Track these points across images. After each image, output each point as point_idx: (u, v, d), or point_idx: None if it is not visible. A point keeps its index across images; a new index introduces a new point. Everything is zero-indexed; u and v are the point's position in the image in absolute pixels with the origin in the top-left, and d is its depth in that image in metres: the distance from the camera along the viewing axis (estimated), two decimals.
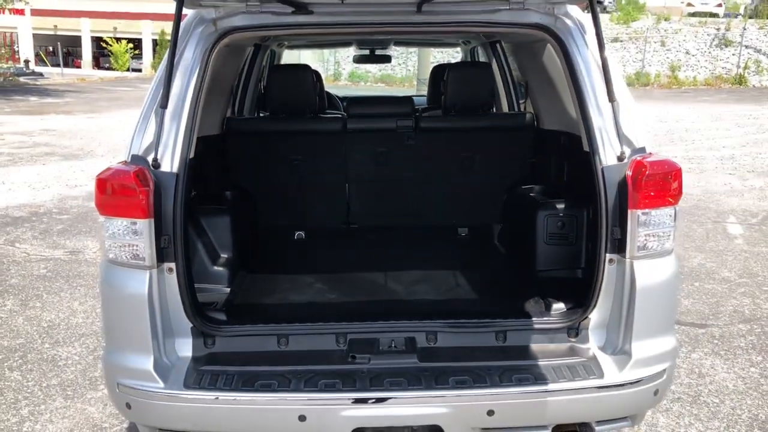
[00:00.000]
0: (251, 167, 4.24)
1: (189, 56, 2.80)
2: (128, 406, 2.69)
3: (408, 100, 4.48)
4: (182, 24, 2.81)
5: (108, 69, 52.79)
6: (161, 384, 2.63)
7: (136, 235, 2.63)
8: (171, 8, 2.59)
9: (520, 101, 5.00)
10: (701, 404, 4.11)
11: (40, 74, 42.58)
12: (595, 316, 2.85)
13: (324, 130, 4.29)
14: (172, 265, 2.69)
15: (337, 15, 2.93)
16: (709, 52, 33.55)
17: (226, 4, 2.85)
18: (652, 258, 2.73)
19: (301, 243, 4.35)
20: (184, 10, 2.71)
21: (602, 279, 2.77)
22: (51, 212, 8.96)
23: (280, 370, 2.72)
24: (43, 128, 17.90)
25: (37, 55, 56.95)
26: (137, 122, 2.77)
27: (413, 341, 2.86)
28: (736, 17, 37.86)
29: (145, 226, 2.61)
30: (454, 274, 3.60)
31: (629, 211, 2.67)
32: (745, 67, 31.88)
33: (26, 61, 50.59)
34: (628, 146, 2.75)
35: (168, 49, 2.74)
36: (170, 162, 2.70)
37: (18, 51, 58.91)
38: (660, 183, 2.68)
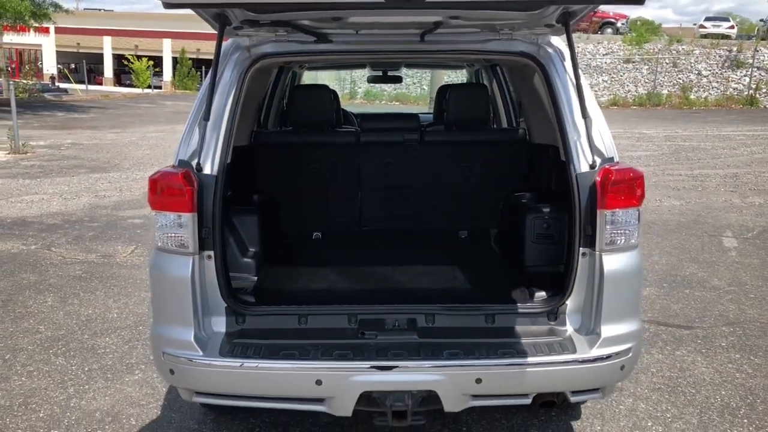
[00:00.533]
0: (275, 174, 4.76)
1: (227, 77, 3.33)
2: (171, 372, 3.18)
3: (414, 116, 5.03)
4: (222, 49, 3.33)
5: (129, 86, 53.90)
6: (200, 353, 3.12)
7: (181, 227, 3.13)
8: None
9: (519, 119, 5.50)
10: (679, 393, 4.53)
11: (65, 91, 43.74)
12: (571, 303, 3.31)
13: (340, 142, 4.83)
14: (211, 253, 3.19)
15: (353, 43, 3.45)
16: (721, 74, 33.90)
17: (258, 33, 3.37)
18: (619, 252, 3.19)
19: (318, 242, 4.86)
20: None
21: (576, 269, 3.23)
22: (82, 220, 9.54)
23: (300, 343, 3.19)
24: (71, 142, 18.62)
25: (60, 72, 58.16)
26: (183, 132, 3.30)
27: (414, 321, 3.33)
28: (749, 39, 38.21)
29: (189, 219, 3.12)
30: (453, 269, 4.08)
31: (598, 211, 3.15)
32: (757, 89, 32.20)
33: (52, 78, 51.88)
34: (598, 156, 3.23)
35: (210, 71, 3.27)
36: (210, 166, 3.21)
37: (42, 68, 60.25)
38: (625, 187, 3.15)
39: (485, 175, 4.80)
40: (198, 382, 3.17)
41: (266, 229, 4.15)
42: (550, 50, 3.42)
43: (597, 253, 3.18)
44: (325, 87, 4.90)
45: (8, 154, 15.77)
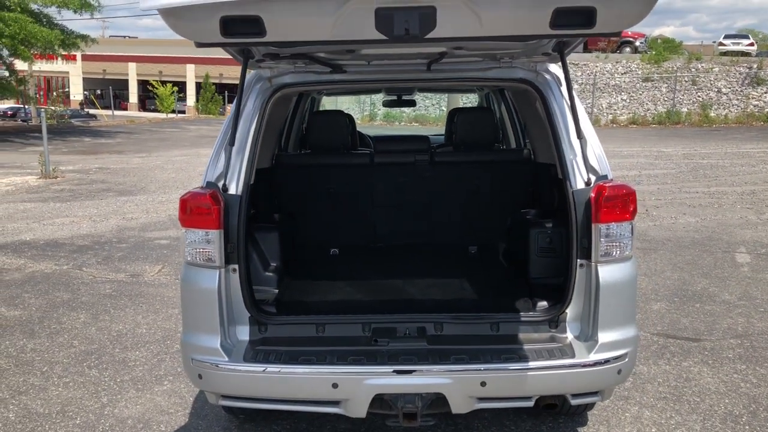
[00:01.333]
0: (295, 194, 5.06)
1: (250, 106, 3.63)
2: (200, 376, 3.45)
3: (425, 139, 5.33)
4: (246, 79, 3.64)
5: (153, 110, 54.99)
6: (226, 358, 3.39)
7: (209, 243, 3.42)
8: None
9: (527, 140, 5.76)
10: (683, 402, 4.70)
11: (94, 116, 44.92)
12: (570, 311, 3.54)
13: (355, 163, 5.13)
14: (236, 266, 3.47)
15: (365, 73, 3.75)
16: (741, 91, 33.86)
17: (278, 66, 3.68)
18: (613, 263, 3.42)
19: (335, 257, 5.14)
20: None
21: (575, 280, 3.47)
22: (111, 241, 9.91)
23: (318, 350, 3.45)
24: (99, 167, 19.17)
25: (86, 98, 59.49)
26: (211, 156, 3.60)
27: (424, 330, 3.58)
28: None
29: (216, 236, 3.40)
30: (461, 281, 4.32)
31: (593, 225, 3.38)
32: None
33: (81, 104, 53.18)
34: (593, 174, 3.48)
35: (235, 100, 3.58)
36: (236, 187, 3.51)
37: (69, 94, 61.70)
38: (618, 203, 3.39)
39: (493, 192, 5.06)
40: (224, 386, 3.43)
41: (286, 245, 4.43)
42: (547, 76, 3.69)
43: (593, 264, 3.40)
44: (341, 112, 5.22)
45: (39, 178, 16.32)
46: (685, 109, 33.70)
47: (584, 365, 3.35)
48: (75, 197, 13.94)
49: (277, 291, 4.05)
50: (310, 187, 5.08)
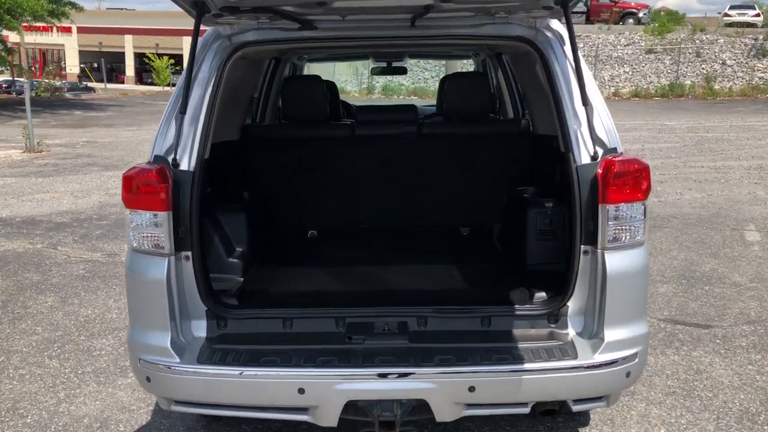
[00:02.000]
0: (268, 170, 4.58)
1: (206, 68, 3.15)
2: (148, 379, 3.03)
3: (412, 108, 4.81)
4: (200, 39, 3.16)
5: (150, 84, 54.28)
6: (177, 359, 2.96)
7: (157, 226, 2.97)
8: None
9: (526, 110, 5.27)
10: (694, 398, 4.29)
11: (92, 89, 44.65)
12: (573, 304, 3.10)
13: (334, 136, 4.63)
14: (189, 253, 3.03)
15: (339, 30, 3.26)
16: (746, 63, 33.19)
17: (239, 21, 3.19)
18: (623, 249, 2.97)
19: (312, 240, 4.68)
20: (202, 26, 3.06)
21: (578, 269, 3.02)
22: (91, 218, 9.46)
23: (283, 348, 3.02)
24: (86, 140, 18.68)
25: (82, 71, 58.81)
26: (159, 126, 3.13)
27: (405, 325, 3.14)
28: None
29: (164, 218, 2.95)
30: (450, 268, 3.87)
31: (600, 206, 2.93)
32: None
33: (79, 77, 52.65)
34: (600, 147, 3.01)
35: (187, 62, 3.10)
36: (188, 162, 3.04)
37: (65, 67, 60.96)
38: (629, 180, 2.93)
39: (487, 168, 4.58)
40: (175, 391, 3.01)
41: (256, 227, 3.98)
42: (548, 34, 3.20)
43: (599, 251, 2.96)
44: (317, 78, 4.71)
45: (23, 152, 15.85)
46: (689, 82, 33.04)
47: (588, 367, 2.92)
48: (58, 172, 13.48)
49: (242, 279, 3.61)
50: (284, 162, 4.60)
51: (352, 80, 37.90)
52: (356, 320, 3.16)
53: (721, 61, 33.61)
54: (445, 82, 4.64)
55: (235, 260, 3.66)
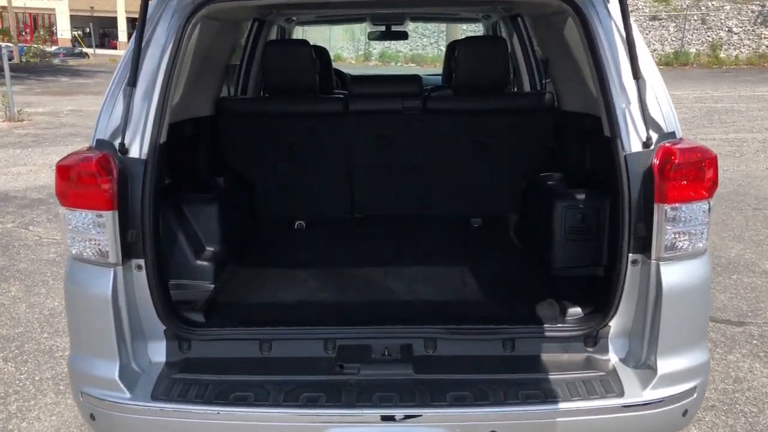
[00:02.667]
0: (247, 151, 3.96)
1: (162, 30, 2.52)
2: (92, 417, 2.47)
3: (416, 79, 4.12)
4: None
5: None
6: (127, 394, 2.39)
7: (99, 228, 2.38)
8: None
9: (544, 81, 4.64)
10: (737, 414, 3.75)
11: (86, 54, 43.91)
12: (615, 324, 2.53)
13: (324, 111, 3.96)
14: (141, 261, 2.44)
15: None
16: (753, 30, 32.33)
17: None
18: (682, 260, 2.40)
19: (299, 234, 4.06)
20: None
21: (624, 282, 2.44)
22: None
23: (259, 380, 2.46)
24: (71, 109, 17.94)
25: (73, 37, 57.71)
26: (103, 103, 2.51)
27: (409, 349, 2.57)
28: None
29: (109, 218, 2.36)
30: (461, 271, 3.29)
31: (655, 206, 2.34)
32: None
33: (73, 42, 51.67)
34: (655, 130, 2.41)
35: (138, 22, 2.47)
36: (139, 147, 2.44)
37: (56, 32, 59.77)
38: (692, 173, 2.34)
39: (503, 150, 3.94)
40: None
41: (231, 221, 3.38)
42: None
43: (653, 261, 2.38)
44: (304, 43, 4.03)
45: (3, 122, 15.12)
46: (694, 50, 32.20)
47: (637, 406, 2.35)
48: (38, 143, 12.79)
49: (212, 286, 3.02)
50: (265, 141, 3.96)
51: (349, 47, 36.93)
52: (349, 342, 2.59)
53: (727, 29, 32.74)
54: (456, 47, 3.96)
55: (205, 263, 3.07)
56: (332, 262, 3.45)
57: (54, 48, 43.16)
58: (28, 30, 58.19)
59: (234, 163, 3.97)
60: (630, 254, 2.42)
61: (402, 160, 4.03)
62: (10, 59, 38.29)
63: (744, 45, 32.00)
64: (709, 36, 32.78)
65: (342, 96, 4.04)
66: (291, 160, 3.98)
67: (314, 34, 7.43)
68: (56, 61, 39.19)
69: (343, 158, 4.02)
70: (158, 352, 2.58)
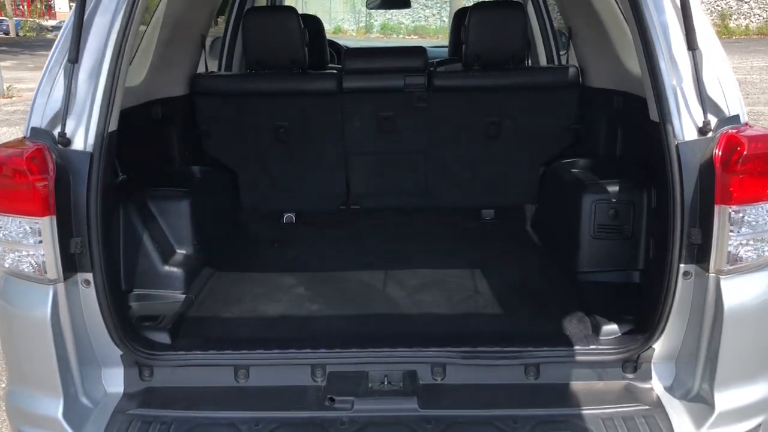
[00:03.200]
0: (227, 136, 3.49)
1: None
2: None
3: (420, 51, 3.62)
4: None
5: None
6: None
7: (34, 237, 1.95)
8: None
9: (561, 52, 4.17)
10: None
11: None
12: (660, 345, 2.11)
13: (314, 90, 3.47)
14: (89, 276, 2.02)
15: None
16: None
17: None
18: (747, 273, 1.97)
19: (287, 230, 3.60)
20: None
21: (674, 297, 2.01)
22: None
23: (232, 417, 2.05)
24: None
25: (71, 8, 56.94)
26: (40, 83, 2.07)
27: (413, 376, 2.16)
28: None
29: (45, 225, 1.93)
30: (473, 274, 2.85)
31: (716, 207, 1.91)
32: None
33: None
34: (714, 114, 1.98)
35: None
36: (84, 137, 2.00)
37: (54, 6, 58.96)
38: (763, 167, 1.89)
39: (520, 132, 3.46)
40: None
41: (207, 217, 2.95)
42: None
43: (711, 275, 1.94)
44: (291, 10, 3.53)
45: None
46: None
47: None
48: (25, 121, 12.32)
49: (183, 296, 2.59)
50: (248, 124, 3.49)
51: (350, 18, 36.11)
52: (341, 368, 2.18)
53: None
54: (465, 14, 3.46)
55: (175, 269, 2.63)
56: (324, 264, 3.02)
57: (52, 22, 42.38)
58: (25, 3, 57.39)
59: (212, 150, 3.52)
60: (681, 265, 1.99)
61: (404, 144, 3.56)
62: (6, 33, 37.67)
63: (754, 14, 31.27)
64: (718, 5, 32.04)
65: (335, 72, 3.54)
66: (277, 145, 3.51)
67: (314, 6, 6.89)
68: (51, 35, 38.50)
69: (337, 143, 3.55)
70: (115, 380, 2.18)
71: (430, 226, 3.50)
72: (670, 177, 1.97)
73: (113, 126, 2.06)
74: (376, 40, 31.60)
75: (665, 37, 2.01)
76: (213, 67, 4.03)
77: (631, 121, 2.64)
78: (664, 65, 2.00)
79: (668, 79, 1.99)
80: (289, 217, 3.62)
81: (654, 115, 2.03)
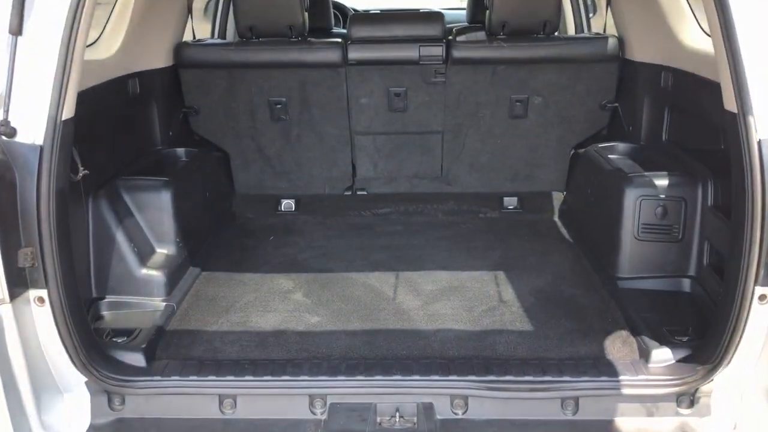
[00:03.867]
0: (217, 113, 3.13)
1: None
2: None
3: (437, 17, 3.20)
4: None
5: None
6: None
7: None
8: None
9: (589, 15, 3.79)
10: None
11: None
12: (724, 378, 1.78)
13: (314, 61, 3.07)
14: (43, 292, 1.70)
15: None
16: None
17: None
18: None
19: (285, 218, 3.24)
20: None
21: (745, 324, 1.67)
22: None
23: None
24: None
25: None
26: None
27: (430, 409, 1.85)
28: None
29: None
30: (496, 278, 2.51)
31: None
32: None
33: None
34: None
35: None
36: (32, 127, 1.66)
37: None
38: None
39: (549, 111, 3.08)
40: None
41: (193, 210, 2.62)
42: None
43: None
44: None
45: None
46: None
47: None
48: None
49: (165, 304, 2.27)
50: (241, 100, 3.11)
51: None
52: (344, 399, 1.86)
53: None
54: None
55: (154, 272, 2.31)
56: (326, 263, 2.69)
57: None
58: None
59: (200, 129, 3.17)
60: (756, 287, 1.64)
61: (417, 124, 3.18)
62: None
63: None
64: None
65: (339, 41, 3.14)
66: (274, 123, 3.14)
67: None
68: None
69: (342, 121, 3.17)
70: (80, 410, 1.89)
71: (446, 216, 3.16)
72: (745, 180, 1.61)
73: (69, 112, 1.72)
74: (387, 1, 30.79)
75: (748, 7, 1.63)
76: (206, 33, 3.66)
77: (684, 103, 2.27)
78: (743, 40, 1.62)
79: (749, 59, 1.62)
80: (287, 203, 3.28)
81: (730, 105, 1.67)
